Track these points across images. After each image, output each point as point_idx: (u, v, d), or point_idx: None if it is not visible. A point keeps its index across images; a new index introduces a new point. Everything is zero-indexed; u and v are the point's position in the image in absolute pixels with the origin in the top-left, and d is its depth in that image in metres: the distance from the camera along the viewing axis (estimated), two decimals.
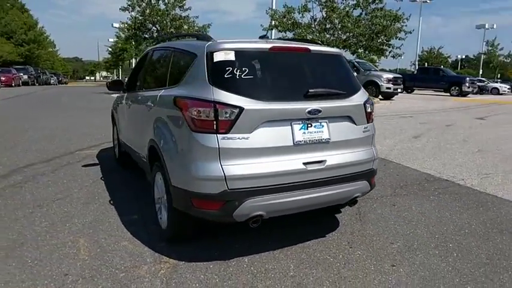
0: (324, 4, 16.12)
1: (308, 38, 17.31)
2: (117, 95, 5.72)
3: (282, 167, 2.67)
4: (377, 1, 15.76)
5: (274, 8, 19.13)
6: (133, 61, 30.97)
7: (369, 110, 3.09)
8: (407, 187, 4.81)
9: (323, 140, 2.82)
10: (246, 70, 2.68)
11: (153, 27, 21.09)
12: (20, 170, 5.16)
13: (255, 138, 2.60)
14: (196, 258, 2.90)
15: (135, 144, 4.07)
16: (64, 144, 6.88)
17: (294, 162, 2.71)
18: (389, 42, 16.71)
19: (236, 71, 2.66)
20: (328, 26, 16.37)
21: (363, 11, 15.94)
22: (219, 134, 2.55)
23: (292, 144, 2.72)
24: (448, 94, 25.42)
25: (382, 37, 16.36)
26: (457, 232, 3.48)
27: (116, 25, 30.22)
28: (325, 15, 16.34)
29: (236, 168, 2.56)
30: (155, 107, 3.27)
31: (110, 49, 49.84)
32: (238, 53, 2.73)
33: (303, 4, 16.54)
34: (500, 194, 4.55)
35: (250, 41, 2.96)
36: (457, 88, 25.85)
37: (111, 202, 4.05)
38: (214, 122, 2.54)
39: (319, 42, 3.07)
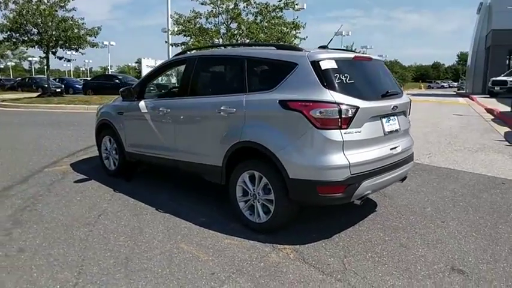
0: (231, 11, 16.83)
1: (216, 43, 17.87)
2: (110, 104, 5.45)
3: (380, 153, 3.31)
4: (277, 10, 17.18)
5: (169, 12, 19.08)
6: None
7: (410, 105, 3.92)
8: None
9: (396, 130, 3.54)
10: (346, 75, 3.22)
11: (34, 29, 18.74)
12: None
13: (363, 131, 3.17)
14: (304, 241, 3.30)
15: (185, 152, 4.10)
16: (21, 163, 6.10)
17: (385, 149, 3.38)
18: None
19: (341, 76, 3.18)
20: (235, 32, 17.14)
21: (264, 18, 17.15)
22: (342, 129, 3.04)
23: (383, 134, 3.37)
24: None
25: (282, 43, 17.87)
26: (454, 195, 4.57)
27: None
28: (230, 21, 17.09)
29: (355, 156, 3.10)
30: (239, 111, 3.50)
31: None
32: (337, 61, 3.25)
33: (210, 10, 16.99)
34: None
35: (334, 51, 3.50)
36: None
37: (160, 210, 4.03)
38: (339, 120, 3.02)
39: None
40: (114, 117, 5.09)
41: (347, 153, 3.08)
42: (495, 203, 4.31)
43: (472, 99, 22.64)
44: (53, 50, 20.13)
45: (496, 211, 4.05)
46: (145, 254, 3.10)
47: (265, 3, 17.19)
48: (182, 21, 17.34)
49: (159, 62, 18.11)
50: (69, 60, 25.30)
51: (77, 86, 31.90)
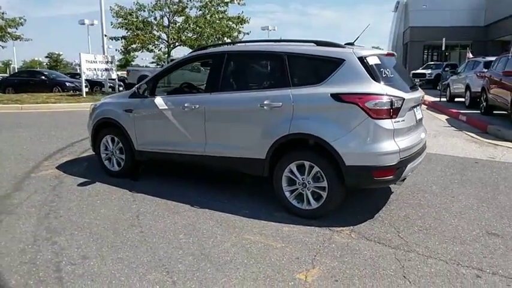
0: (176, 4, 16.43)
1: (163, 36, 17.36)
2: (111, 101, 5.20)
3: (415, 139, 3.74)
4: (222, 4, 17.18)
5: (103, 4, 18.03)
6: None
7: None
8: None
9: (421, 119, 4.00)
10: (387, 70, 3.58)
11: None
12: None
13: (405, 120, 3.57)
14: (353, 223, 3.62)
15: (219, 147, 4.13)
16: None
17: (417, 135, 3.82)
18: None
19: (384, 71, 3.53)
20: (182, 26, 16.77)
21: (208, 12, 17.03)
22: (392, 118, 3.39)
23: (415, 123, 3.80)
24: None
25: (226, 38, 17.95)
26: (445, 175, 5.23)
27: None
28: (174, 15, 16.70)
29: (402, 143, 3.47)
30: (287, 105, 3.66)
31: None
32: (378, 57, 3.59)
33: (155, 3, 16.39)
34: None
35: (369, 49, 3.82)
36: None
37: (196, 206, 4.04)
38: (390, 110, 3.36)
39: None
40: (121, 115, 4.88)
41: (396, 140, 3.44)
42: (481, 178, 5.03)
43: None
44: None
45: (488, 185, 4.75)
46: (217, 248, 3.16)
47: None
48: (123, 14, 16.54)
49: (99, 57, 17.15)
50: None
51: None
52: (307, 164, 3.65)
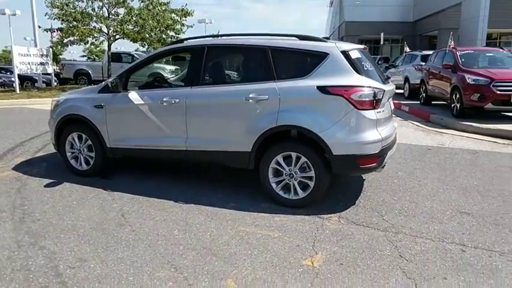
0: None
1: (104, 29, 16.48)
2: (76, 97, 4.90)
3: (391, 129, 4.00)
4: None
5: None
6: None
7: None
8: None
9: (392, 110, 4.28)
10: (366, 63, 3.79)
11: None
12: None
13: (384, 111, 3.80)
14: (338, 210, 3.81)
15: (202, 141, 4.08)
16: None
17: (392, 126, 4.08)
18: (179, 35, 18.07)
19: (365, 64, 3.73)
20: (124, 18, 15.99)
21: (151, 3, 16.41)
22: (375, 109, 3.61)
23: (390, 114, 4.06)
24: None
25: (170, 31, 17.49)
26: (405, 161, 5.65)
27: None
28: (114, 6, 15.91)
29: (382, 132, 3.71)
30: (273, 98, 3.73)
31: None
32: (358, 51, 3.79)
33: None
34: None
35: (349, 43, 4.00)
36: None
37: (180, 202, 3.98)
38: (373, 101, 3.57)
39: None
40: (90, 111, 4.63)
41: (379, 130, 3.66)
42: (439, 163, 5.51)
43: None
44: None
45: (446, 169, 5.22)
46: (217, 241, 3.17)
47: None
48: (59, 4, 15.40)
49: (33, 50, 15.86)
50: None
51: None
52: (294, 155, 3.76)
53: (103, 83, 4.82)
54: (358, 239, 3.22)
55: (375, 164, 3.69)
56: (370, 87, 3.59)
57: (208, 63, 4.15)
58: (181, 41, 4.55)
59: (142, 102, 4.33)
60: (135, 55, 20.44)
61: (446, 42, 11.49)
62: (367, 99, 3.56)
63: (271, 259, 2.89)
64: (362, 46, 4.10)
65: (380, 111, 3.71)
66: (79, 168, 4.91)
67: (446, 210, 3.81)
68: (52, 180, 4.71)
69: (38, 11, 17.99)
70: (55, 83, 20.28)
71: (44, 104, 11.29)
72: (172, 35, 17.70)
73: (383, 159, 3.75)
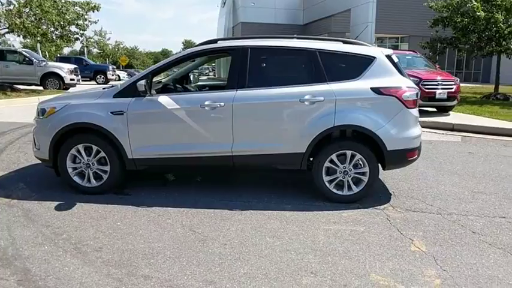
0: None
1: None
2: (86, 103, 4.25)
3: None
4: None
5: None
6: None
7: None
8: None
9: None
10: (401, 65, 4.23)
11: None
12: None
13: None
14: (384, 201, 4.19)
15: (251, 145, 4.00)
16: None
17: None
18: (83, 31, 16.40)
19: (401, 67, 4.17)
20: (19, 8, 13.76)
21: None
22: (416, 107, 4.07)
23: None
24: (95, 82, 26.25)
25: (73, 27, 15.82)
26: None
27: None
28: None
29: (419, 127, 4.20)
30: (329, 99, 3.88)
31: None
32: (395, 55, 4.20)
33: None
34: None
35: (387, 49, 4.38)
36: (102, 76, 27.61)
37: (238, 209, 3.90)
38: (416, 100, 4.02)
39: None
40: (105, 119, 4.11)
41: (418, 125, 4.13)
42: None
43: None
44: None
45: (427, 157, 6.02)
46: (318, 241, 3.23)
47: None
48: None
49: None
50: None
51: None
52: (349, 153, 3.99)
53: (117, 85, 4.32)
54: (429, 223, 3.63)
55: (416, 156, 4.16)
56: (414, 87, 4.02)
57: (253, 65, 4.08)
58: (215, 41, 4.32)
59: (178, 106, 4.04)
60: (24, 52, 17.93)
61: None
62: (413, 98, 3.99)
63: (385, 251, 3.08)
64: (392, 51, 4.52)
65: (417, 109, 4.17)
66: (86, 185, 4.31)
67: (463, 192, 4.49)
68: (59, 202, 4.06)
69: None
70: None
71: None
72: (76, 31, 16.02)
73: (420, 151, 4.23)
